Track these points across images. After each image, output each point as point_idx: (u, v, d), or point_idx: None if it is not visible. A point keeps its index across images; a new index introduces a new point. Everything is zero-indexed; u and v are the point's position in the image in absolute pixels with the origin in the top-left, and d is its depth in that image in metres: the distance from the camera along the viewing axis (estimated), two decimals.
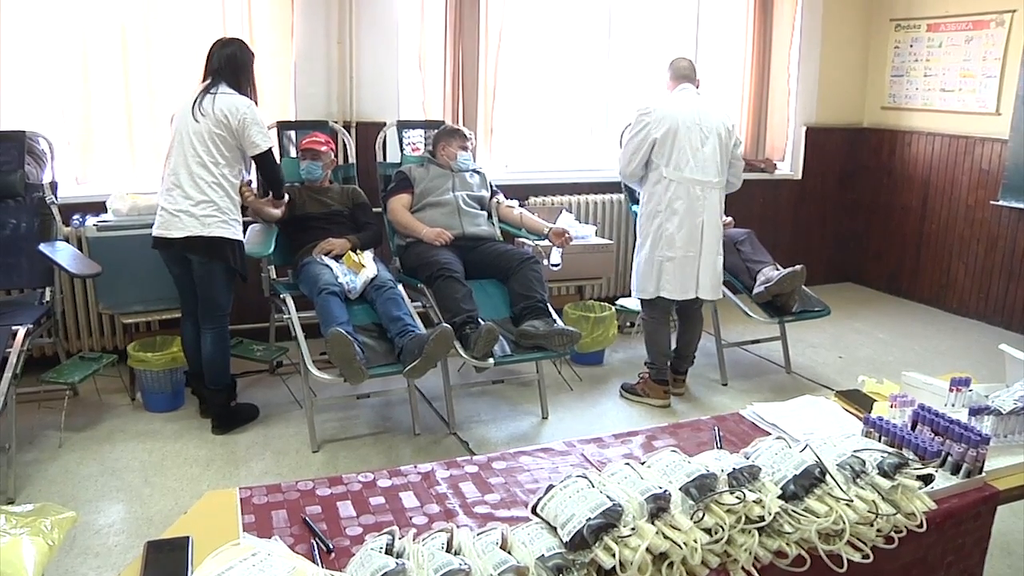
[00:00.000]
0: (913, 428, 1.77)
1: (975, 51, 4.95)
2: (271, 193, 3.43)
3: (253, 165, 3.26)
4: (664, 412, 3.61)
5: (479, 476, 1.69)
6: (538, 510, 1.37)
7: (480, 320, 3.18)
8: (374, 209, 3.82)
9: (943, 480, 1.64)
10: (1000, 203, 4.83)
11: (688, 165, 3.46)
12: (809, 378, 4.08)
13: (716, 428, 1.92)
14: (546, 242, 3.71)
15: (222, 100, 3.09)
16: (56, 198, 3.43)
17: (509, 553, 1.26)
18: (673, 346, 3.79)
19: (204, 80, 3.17)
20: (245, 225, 3.35)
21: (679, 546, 1.28)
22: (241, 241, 3.21)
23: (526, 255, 3.56)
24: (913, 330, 4.93)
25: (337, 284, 3.21)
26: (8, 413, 2.80)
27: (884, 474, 1.51)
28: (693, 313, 3.74)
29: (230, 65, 3.16)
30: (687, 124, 3.46)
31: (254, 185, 3.54)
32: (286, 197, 3.48)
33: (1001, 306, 4.95)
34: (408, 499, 1.59)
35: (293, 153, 3.85)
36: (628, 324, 4.62)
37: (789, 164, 5.63)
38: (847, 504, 1.43)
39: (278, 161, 3.38)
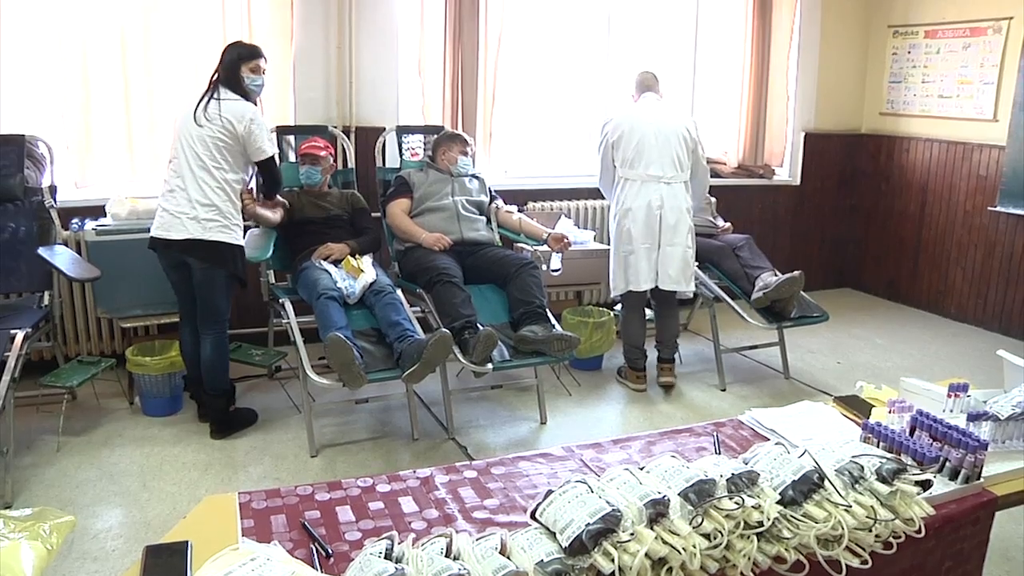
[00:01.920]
0: (911, 434, 1.77)
1: (973, 58, 4.97)
2: (263, 195, 3.42)
3: (254, 172, 3.27)
4: (663, 418, 3.61)
5: (478, 481, 1.69)
6: (537, 515, 1.37)
7: (479, 325, 3.18)
8: (373, 214, 3.82)
9: (941, 486, 1.65)
10: (998, 209, 4.84)
11: (642, 162, 3.63)
12: (808, 384, 4.09)
13: (715, 433, 1.92)
14: (545, 247, 3.73)
15: (228, 106, 3.10)
16: (55, 202, 3.43)
17: (508, 558, 1.26)
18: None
19: (208, 84, 3.18)
20: (245, 230, 3.35)
21: (678, 551, 1.28)
22: (241, 246, 3.21)
23: (525, 260, 3.56)
24: (911, 336, 4.94)
25: (336, 289, 3.21)
26: (6, 417, 2.80)
27: (883, 480, 1.51)
28: (667, 304, 3.88)
29: (226, 70, 3.18)
30: (641, 125, 3.65)
31: (254, 192, 3.53)
32: (279, 199, 3.48)
33: (999, 312, 4.96)
34: (407, 504, 1.59)
35: (292, 158, 3.85)
36: None
37: (788, 170, 5.64)
38: (846, 510, 1.43)
39: (278, 164, 3.39)
